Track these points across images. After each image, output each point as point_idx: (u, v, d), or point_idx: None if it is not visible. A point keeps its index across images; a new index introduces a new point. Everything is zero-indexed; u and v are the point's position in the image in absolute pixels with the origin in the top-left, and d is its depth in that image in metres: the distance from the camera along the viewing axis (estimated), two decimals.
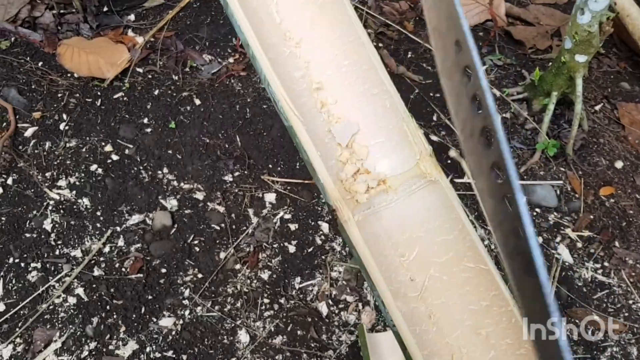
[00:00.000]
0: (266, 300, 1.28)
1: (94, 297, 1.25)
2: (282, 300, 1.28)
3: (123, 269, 1.29)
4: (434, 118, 1.60)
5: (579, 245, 1.43)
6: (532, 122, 1.61)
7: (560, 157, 1.56)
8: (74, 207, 1.36)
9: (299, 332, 1.24)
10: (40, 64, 1.58)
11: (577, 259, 1.41)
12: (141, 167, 1.43)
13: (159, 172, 1.43)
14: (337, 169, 0.53)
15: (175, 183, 1.42)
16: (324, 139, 0.53)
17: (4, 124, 1.45)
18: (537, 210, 1.48)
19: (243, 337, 1.23)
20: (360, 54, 0.54)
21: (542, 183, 1.52)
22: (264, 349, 1.22)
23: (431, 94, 1.66)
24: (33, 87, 1.53)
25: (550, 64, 1.60)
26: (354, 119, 0.53)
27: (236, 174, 1.44)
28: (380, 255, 0.51)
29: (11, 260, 1.27)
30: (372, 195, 0.52)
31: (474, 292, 0.50)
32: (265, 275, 1.31)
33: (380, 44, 1.77)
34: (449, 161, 1.51)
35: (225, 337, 1.23)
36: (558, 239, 1.44)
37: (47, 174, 1.39)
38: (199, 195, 1.41)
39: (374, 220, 0.52)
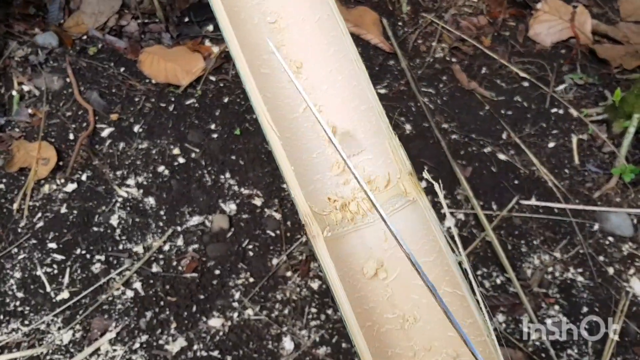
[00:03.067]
0: (314, 310, 1.28)
1: (150, 292, 1.30)
2: (329, 312, 1.27)
3: (179, 268, 1.33)
4: (503, 136, 1.54)
5: None
6: (610, 145, 1.51)
7: None
8: (140, 205, 1.42)
9: (343, 345, 1.23)
10: (122, 69, 1.68)
11: None
12: (205, 171, 1.48)
13: (222, 176, 1.47)
14: (324, 184, 0.53)
15: (235, 188, 1.45)
16: (312, 154, 0.53)
17: (84, 124, 1.55)
18: (610, 239, 1.38)
19: (287, 344, 1.23)
20: (351, 70, 0.54)
21: (618, 210, 1.42)
22: (307, 358, 1.21)
23: (502, 111, 1.60)
24: (113, 90, 1.62)
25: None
26: (348, 136, 0.53)
27: None
28: (357, 272, 0.50)
29: (78, 251, 1.35)
30: (355, 212, 0.51)
31: None
32: (315, 284, 1.31)
33: (454, 59, 1.73)
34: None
35: (270, 342, 1.24)
36: (631, 271, 1.34)
37: (118, 173, 1.47)
38: (257, 201, 1.43)
39: (355, 238, 0.51)
